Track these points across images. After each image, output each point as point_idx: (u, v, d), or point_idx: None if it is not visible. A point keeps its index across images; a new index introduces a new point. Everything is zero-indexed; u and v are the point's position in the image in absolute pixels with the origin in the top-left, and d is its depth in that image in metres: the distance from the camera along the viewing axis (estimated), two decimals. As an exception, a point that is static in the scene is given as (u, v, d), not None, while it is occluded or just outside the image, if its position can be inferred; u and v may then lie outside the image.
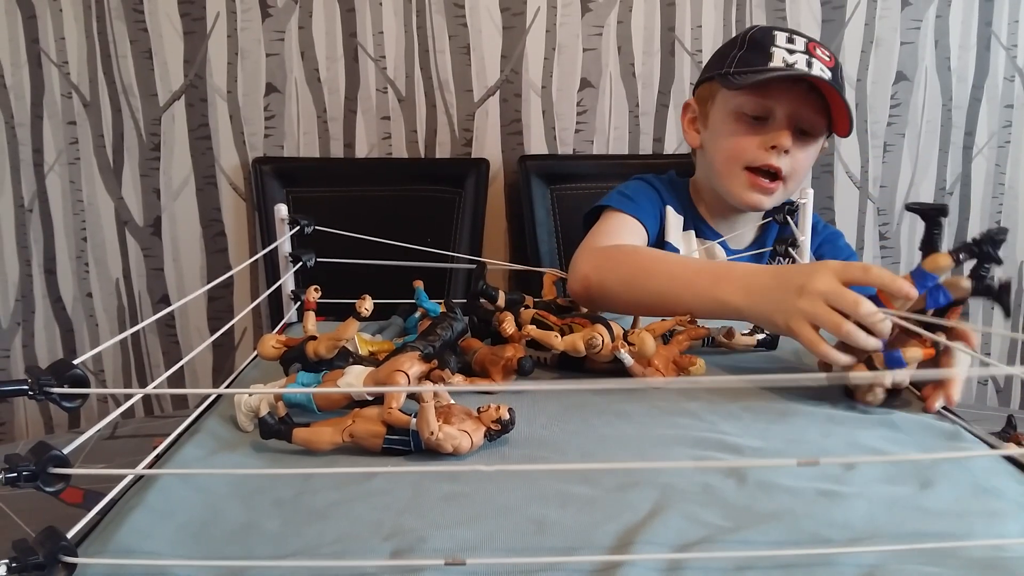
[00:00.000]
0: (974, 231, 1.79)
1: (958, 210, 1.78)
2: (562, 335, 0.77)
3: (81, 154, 1.71)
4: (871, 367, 0.68)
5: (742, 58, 1.04)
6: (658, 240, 1.11)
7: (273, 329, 0.99)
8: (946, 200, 1.77)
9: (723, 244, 1.12)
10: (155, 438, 0.64)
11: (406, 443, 0.60)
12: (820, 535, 0.48)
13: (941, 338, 0.68)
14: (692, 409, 0.70)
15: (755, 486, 0.54)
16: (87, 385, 0.48)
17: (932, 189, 1.77)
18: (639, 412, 0.70)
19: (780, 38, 1.03)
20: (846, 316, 0.68)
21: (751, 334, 0.86)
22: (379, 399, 0.64)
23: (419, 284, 0.92)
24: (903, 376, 0.69)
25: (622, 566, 0.44)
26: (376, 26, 1.66)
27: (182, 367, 1.73)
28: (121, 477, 0.54)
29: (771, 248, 1.13)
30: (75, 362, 0.48)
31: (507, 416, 0.61)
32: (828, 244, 1.13)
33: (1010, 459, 0.58)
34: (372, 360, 0.77)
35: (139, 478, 0.56)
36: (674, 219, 1.12)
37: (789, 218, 1.06)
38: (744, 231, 1.15)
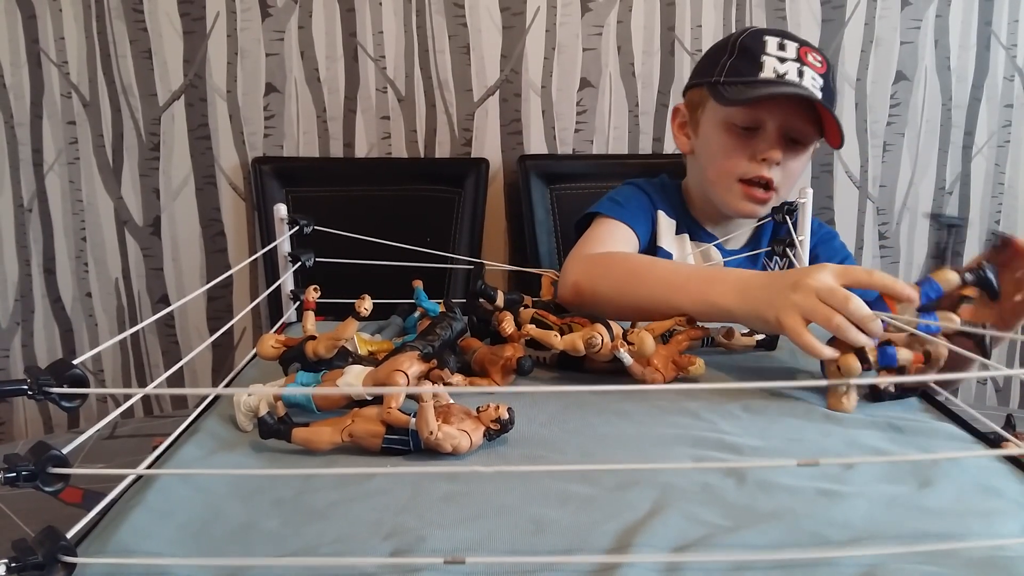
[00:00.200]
0: (973, 231, 1.79)
1: (958, 210, 1.78)
2: (561, 334, 0.77)
3: (81, 154, 1.71)
4: (862, 359, 0.68)
5: (732, 66, 1.03)
6: (650, 245, 1.11)
7: (272, 329, 0.99)
8: (945, 200, 1.77)
9: (718, 246, 1.12)
10: (155, 438, 0.64)
11: (405, 443, 0.60)
12: (820, 534, 0.48)
13: (943, 341, 0.68)
14: (692, 408, 0.70)
15: (755, 486, 0.54)
16: (86, 385, 0.48)
17: (932, 189, 1.77)
18: (639, 411, 0.70)
19: (771, 44, 1.02)
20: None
21: (750, 334, 0.86)
22: (378, 399, 0.64)
23: (418, 284, 0.92)
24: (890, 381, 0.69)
25: (621, 566, 0.44)
26: (376, 26, 1.66)
27: (181, 367, 1.73)
28: (121, 477, 0.54)
29: (767, 249, 1.13)
30: (74, 362, 0.48)
31: (506, 415, 0.61)
32: (823, 244, 1.13)
33: (1009, 458, 0.58)
34: (371, 360, 0.77)
35: (139, 478, 0.56)
36: (666, 223, 1.12)
37: (788, 218, 1.06)
38: (739, 233, 1.15)
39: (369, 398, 0.66)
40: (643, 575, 0.44)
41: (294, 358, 0.73)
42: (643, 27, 1.67)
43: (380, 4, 1.65)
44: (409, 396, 0.64)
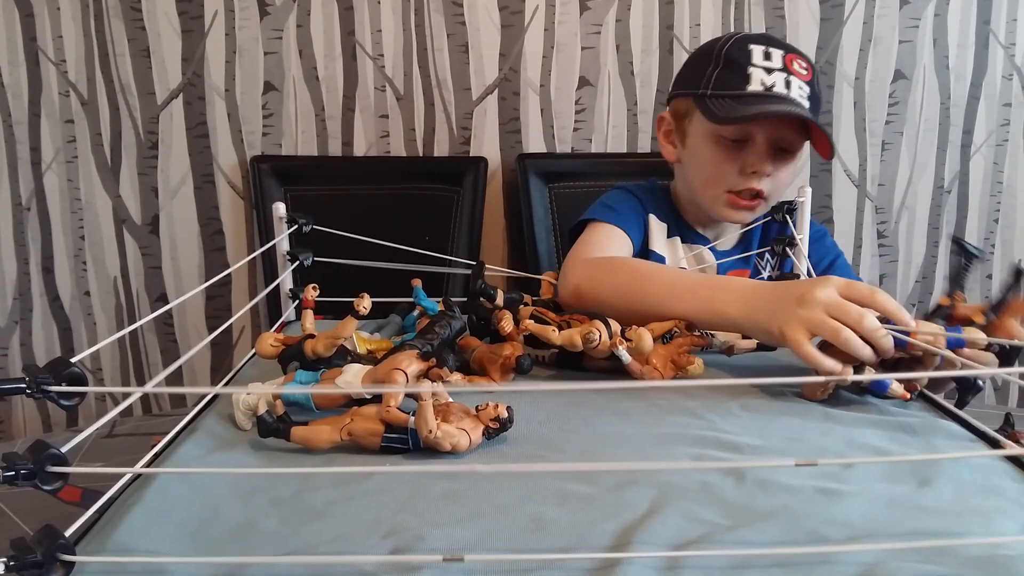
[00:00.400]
0: (972, 230, 1.79)
1: (956, 208, 1.79)
2: (559, 331, 0.77)
3: (79, 152, 1.70)
4: (857, 372, 0.70)
5: (719, 78, 1.02)
6: (642, 249, 1.11)
7: (271, 327, 0.99)
8: (944, 199, 1.77)
9: (710, 248, 1.12)
10: (153, 436, 0.64)
11: (404, 441, 0.60)
12: (818, 533, 0.48)
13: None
14: (691, 407, 0.70)
15: (753, 484, 0.54)
16: (85, 383, 0.48)
17: (930, 188, 1.77)
18: (638, 410, 0.70)
19: (756, 54, 1.01)
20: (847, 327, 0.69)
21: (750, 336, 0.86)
22: (377, 397, 0.64)
23: (417, 283, 0.92)
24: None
25: (620, 564, 0.44)
26: (374, 24, 1.66)
27: (180, 366, 1.73)
28: (119, 475, 0.54)
29: (758, 250, 1.13)
30: (73, 360, 0.48)
31: (505, 414, 0.61)
32: (815, 243, 1.13)
33: (1008, 457, 0.59)
34: (370, 358, 0.77)
35: (137, 476, 0.56)
36: (658, 227, 1.12)
37: (788, 217, 1.06)
38: (729, 235, 1.15)
39: (368, 397, 0.66)
40: (642, 573, 0.44)
41: (293, 357, 0.73)
42: (642, 26, 1.67)
43: (379, 3, 1.65)
44: (408, 395, 0.64)
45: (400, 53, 1.67)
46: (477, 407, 0.62)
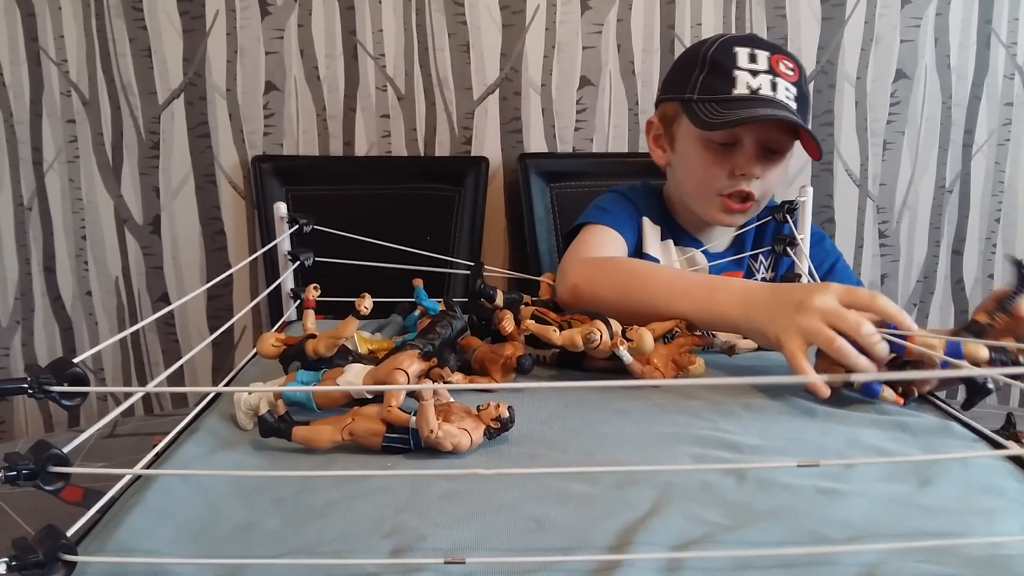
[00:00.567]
0: (973, 229, 1.79)
1: (958, 208, 1.78)
2: (560, 331, 0.77)
3: (80, 152, 1.70)
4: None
5: (705, 82, 1.02)
6: (636, 252, 1.11)
7: (272, 327, 0.99)
8: (946, 198, 1.77)
9: (703, 251, 1.12)
10: (155, 436, 0.64)
11: (406, 441, 0.60)
12: (819, 533, 0.48)
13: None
14: (692, 407, 0.70)
15: (754, 484, 0.54)
16: (87, 383, 0.48)
17: (932, 187, 1.77)
18: (639, 410, 0.70)
19: (742, 57, 1.01)
20: (844, 336, 0.69)
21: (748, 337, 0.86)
22: (379, 397, 0.64)
23: (418, 283, 0.92)
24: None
25: (621, 565, 0.44)
26: (375, 24, 1.66)
27: (182, 366, 1.73)
28: (121, 476, 0.54)
29: (752, 252, 1.13)
30: (75, 360, 0.48)
31: (507, 414, 0.61)
32: (815, 247, 1.13)
33: (1010, 457, 0.59)
34: (371, 358, 0.77)
35: (139, 477, 0.56)
36: (651, 230, 1.12)
37: (788, 217, 1.06)
38: (723, 238, 1.15)
39: (369, 396, 0.66)
40: (643, 574, 0.44)
41: (294, 357, 0.73)
42: (643, 25, 1.67)
43: (380, 2, 1.65)
44: (409, 394, 0.64)
45: (401, 53, 1.67)
46: (478, 407, 0.62)
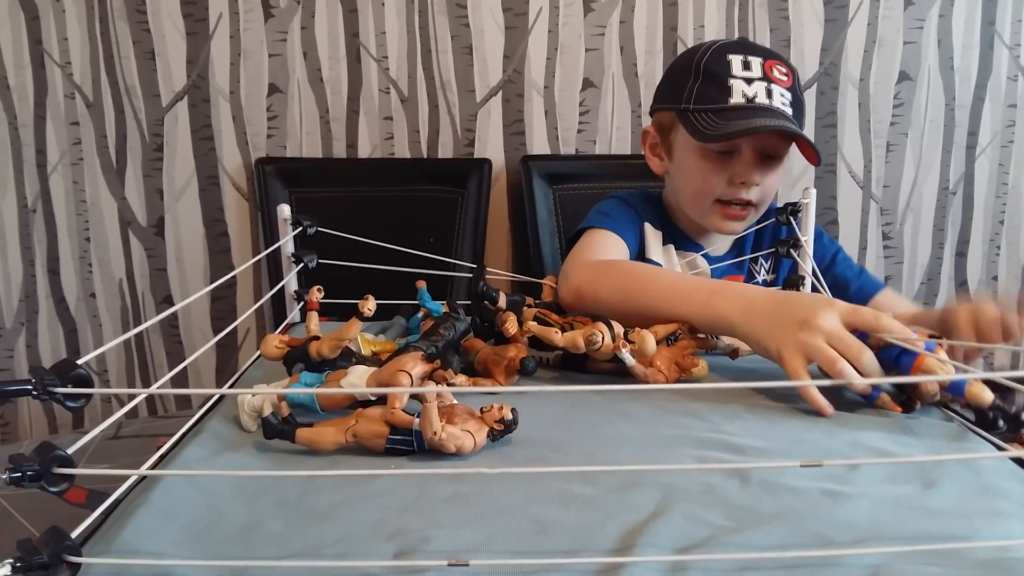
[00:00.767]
0: (977, 231, 1.79)
1: (961, 210, 1.78)
2: (562, 332, 0.77)
3: (84, 155, 1.71)
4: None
5: (699, 92, 1.02)
6: (639, 257, 1.11)
7: (276, 329, 0.99)
8: (949, 200, 1.77)
9: (704, 255, 1.12)
10: (159, 438, 0.64)
11: (409, 443, 0.60)
12: (823, 535, 0.48)
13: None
14: (695, 409, 0.70)
15: (758, 486, 0.54)
16: (91, 385, 0.48)
17: (935, 189, 1.77)
18: (642, 412, 0.70)
19: (735, 65, 1.01)
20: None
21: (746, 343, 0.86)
22: (382, 399, 0.64)
23: (422, 284, 0.92)
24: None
25: (625, 567, 0.44)
26: (378, 26, 1.66)
27: (185, 367, 1.73)
28: (125, 477, 0.54)
29: (752, 255, 1.13)
30: (79, 362, 0.48)
31: (510, 416, 0.61)
32: (814, 243, 1.13)
33: (1015, 459, 0.58)
34: (375, 360, 0.77)
35: (143, 478, 0.56)
36: (653, 235, 1.12)
37: (792, 219, 1.06)
38: (723, 242, 1.15)
39: (373, 398, 0.66)
40: (646, 575, 0.44)
41: (298, 358, 0.73)
42: (645, 27, 1.67)
43: (383, 5, 1.65)
44: (413, 396, 0.64)
45: (404, 55, 1.67)
46: (482, 409, 0.62)
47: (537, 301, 0.94)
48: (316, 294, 0.83)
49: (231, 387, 0.80)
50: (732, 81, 1.00)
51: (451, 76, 1.68)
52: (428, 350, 0.69)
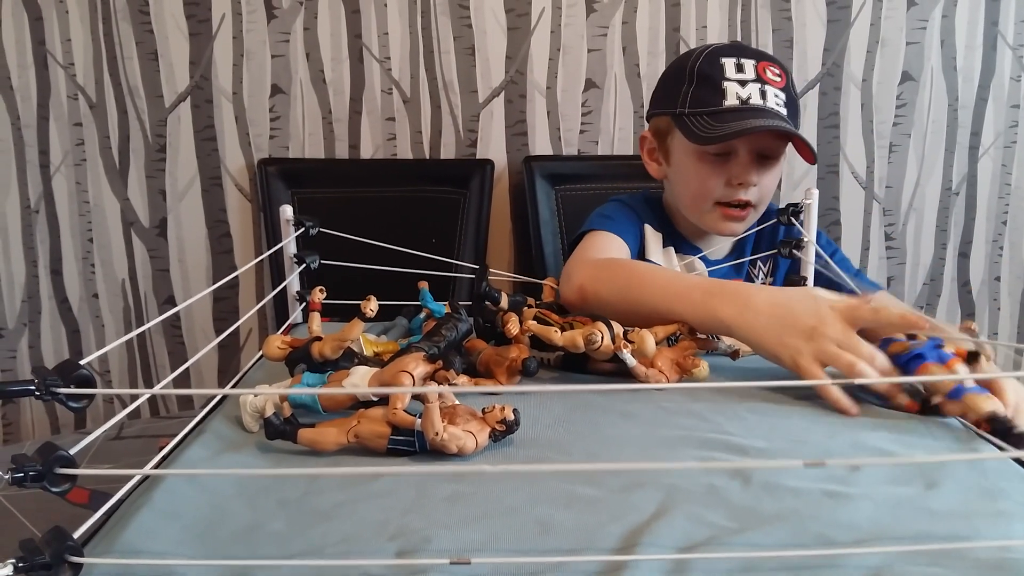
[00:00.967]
0: (980, 232, 1.79)
1: (964, 210, 1.78)
2: (562, 332, 0.77)
3: (87, 155, 1.71)
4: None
5: (694, 96, 1.02)
6: (639, 259, 1.12)
7: (278, 330, 0.99)
8: (952, 201, 1.77)
9: (702, 257, 1.13)
10: (161, 438, 0.64)
11: (411, 444, 0.60)
12: (825, 536, 0.48)
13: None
14: (697, 410, 0.70)
15: (760, 487, 0.54)
16: (93, 385, 0.48)
17: (938, 190, 1.76)
18: (644, 413, 0.70)
19: (729, 67, 1.01)
20: None
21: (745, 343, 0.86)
22: (384, 400, 0.64)
23: (424, 285, 0.92)
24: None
25: (626, 567, 0.44)
26: (381, 27, 1.66)
27: (188, 368, 1.73)
28: (127, 477, 0.54)
29: (751, 257, 1.14)
30: (81, 363, 0.49)
31: (512, 417, 0.61)
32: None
33: (1017, 460, 0.58)
34: (377, 361, 0.77)
35: (145, 478, 0.56)
36: (653, 237, 1.12)
37: (794, 219, 1.06)
38: (722, 244, 1.15)
39: (375, 399, 0.66)
40: (648, 576, 0.44)
41: (300, 359, 0.73)
42: (648, 28, 1.67)
43: (385, 5, 1.65)
44: (415, 397, 0.64)
45: (407, 56, 1.68)
46: (483, 409, 0.62)
47: (538, 302, 0.94)
48: (318, 295, 0.83)
49: (233, 388, 0.80)
50: (726, 83, 1.01)
51: (453, 77, 1.68)
52: (430, 351, 0.69)
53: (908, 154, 1.74)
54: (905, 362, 0.70)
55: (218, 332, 1.75)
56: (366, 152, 1.72)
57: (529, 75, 1.68)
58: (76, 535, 0.45)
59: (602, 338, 0.74)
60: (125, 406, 1.70)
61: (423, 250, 1.08)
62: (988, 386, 0.68)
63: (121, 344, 1.75)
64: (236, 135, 1.70)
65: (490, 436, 0.61)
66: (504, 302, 0.84)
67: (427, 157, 1.72)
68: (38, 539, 0.44)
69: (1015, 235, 1.80)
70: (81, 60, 1.67)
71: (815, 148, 1.03)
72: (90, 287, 1.77)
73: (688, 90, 1.03)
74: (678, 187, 1.11)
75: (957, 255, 1.80)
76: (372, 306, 0.70)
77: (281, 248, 1.04)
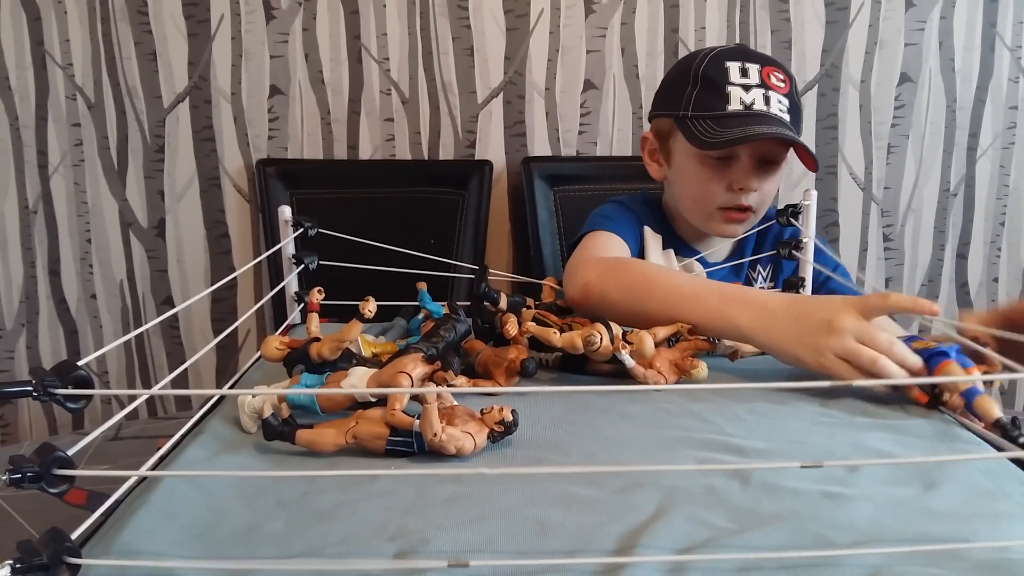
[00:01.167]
0: (978, 233, 1.79)
1: (962, 211, 1.78)
2: (560, 333, 0.77)
3: (85, 156, 1.71)
4: None
5: (698, 99, 1.02)
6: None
7: (276, 331, 0.99)
8: (950, 202, 1.77)
9: (701, 260, 1.13)
10: (159, 439, 0.64)
11: (409, 444, 0.60)
12: (824, 537, 0.48)
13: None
14: (696, 411, 0.70)
15: (759, 488, 0.54)
16: (91, 386, 0.48)
17: (936, 191, 1.77)
18: (643, 414, 0.70)
19: (733, 72, 1.01)
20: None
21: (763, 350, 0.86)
22: (382, 400, 0.64)
23: (422, 286, 0.92)
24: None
25: (626, 568, 0.44)
26: (380, 28, 1.66)
27: (186, 368, 1.73)
28: (125, 478, 0.54)
29: (751, 258, 1.14)
30: (79, 363, 0.48)
31: (510, 418, 0.61)
32: (815, 256, 1.13)
33: (1015, 461, 0.58)
34: (375, 362, 0.77)
35: (143, 479, 0.56)
36: (653, 238, 1.12)
37: (793, 220, 1.06)
38: (722, 246, 1.15)
39: (373, 400, 0.66)
40: (647, 577, 0.44)
41: (298, 360, 0.73)
42: (647, 29, 1.67)
43: (384, 6, 1.65)
44: (413, 398, 0.64)
45: (405, 56, 1.68)
46: (482, 410, 0.61)
47: (537, 303, 0.94)
48: (317, 295, 0.83)
49: (231, 388, 0.80)
50: (730, 88, 1.01)
51: (452, 77, 1.68)
52: (428, 351, 0.69)
53: (906, 155, 1.74)
54: (927, 357, 0.70)
55: (216, 333, 1.75)
56: (365, 153, 1.72)
57: (528, 76, 1.68)
58: (74, 536, 0.45)
59: (601, 339, 0.74)
60: (123, 407, 1.70)
61: (422, 251, 1.08)
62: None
63: (119, 345, 1.75)
64: (235, 136, 1.70)
65: (489, 437, 0.61)
66: (503, 303, 0.84)
67: (426, 158, 1.72)
68: (36, 540, 0.44)
69: (1013, 236, 1.80)
70: (80, 60, 1.67)
71: (818, 153, 1.03)
72: (88, 288, 1.77)
73: (692, 93, 1.03)
74: (679, 189, 1.11)
75: (955, 256, 1.80)
76: (370, 307, 0.70)
77: (280, 249, 1.04)
